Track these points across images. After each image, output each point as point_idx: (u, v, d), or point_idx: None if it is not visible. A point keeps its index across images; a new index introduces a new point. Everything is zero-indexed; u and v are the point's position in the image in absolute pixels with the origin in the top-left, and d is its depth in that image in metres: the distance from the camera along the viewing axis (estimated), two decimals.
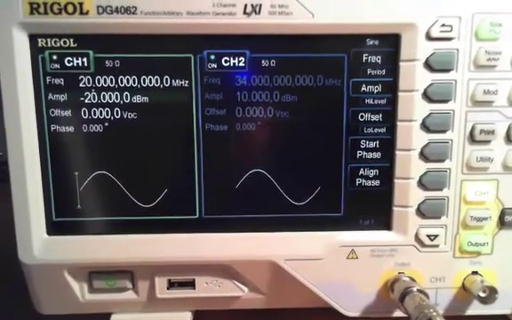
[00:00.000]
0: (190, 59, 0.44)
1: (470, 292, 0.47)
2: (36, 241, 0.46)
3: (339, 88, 0.45)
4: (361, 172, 0.47)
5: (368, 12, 0.43)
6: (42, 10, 0.42)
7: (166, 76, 0.45)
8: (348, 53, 0.45)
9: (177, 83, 0.45)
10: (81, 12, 0.42)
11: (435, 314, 0.40)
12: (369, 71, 0.45)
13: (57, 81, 0.44)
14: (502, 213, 0.46)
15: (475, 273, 0.48)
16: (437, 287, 0.48)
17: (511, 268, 0.47)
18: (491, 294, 0.45)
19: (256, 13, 0.43)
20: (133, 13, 0.42)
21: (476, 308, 0.48)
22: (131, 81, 0.45)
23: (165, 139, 0.46)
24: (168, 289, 0.48)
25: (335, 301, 0.48)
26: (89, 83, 0.44)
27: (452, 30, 0.43)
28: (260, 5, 0.43)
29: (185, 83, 0.45)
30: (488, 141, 0.45)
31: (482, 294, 0.46)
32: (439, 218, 0.46)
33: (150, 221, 0.47)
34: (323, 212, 0.48)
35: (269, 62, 0.45)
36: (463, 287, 0.48)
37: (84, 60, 0.44)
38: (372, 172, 0.47)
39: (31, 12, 0.42)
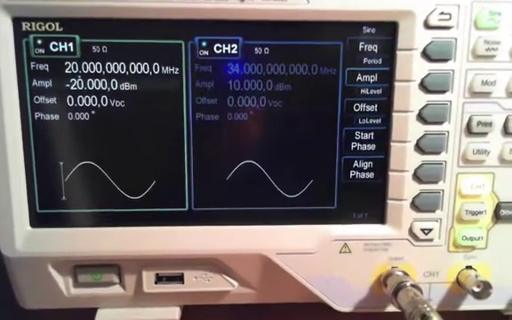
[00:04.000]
0: (181, 45, 0.43)
1: (464, 286, 0.46)
2: (19, 233, 0.44)
3: (334, 77, 0.44)
4: (355, 164, 0.46)
5: None
6: None
7: (156, 63, 0.44)
8: (344, 41, 0.44)
9: (167, 70, 0.44)
10: None
11: (428, 309, 0.40)
12: (365, 60, 0.44)
13: (41, 67, 0.43)
14: (498, 207, 0.46)
15: (469, 267, 0.47)
16: (431, 282, 0.48)
17: (506, 262, 0.47)
18: (485, 289, 0.45)
19: None
20: None
21: (469, 303, 0.48)
22: (118, 67, 0.43)
23: (154, 128, 0.45)
24: (156, 283, 0.47)
25: (327, 296, 0.47)
26: (75, 69, 0.43)
27: (450, 18, 0.42)
28: None
29: (175, 70, 0.44)
30: (485, 133, 0.45)
31: (476, 289, 0.45)
32: (434, 211, 0.46)
33: (138, 214, 0.46)
34: (315, 205, 0.47)
35: (263, 50, 0.44)
36: (457, 282, 0.47)
37: (70, 45, 0.43)
38: (367, 165, 0.46)
39: None
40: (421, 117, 0.44)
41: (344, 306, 0.48)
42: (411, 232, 0.46)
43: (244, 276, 0.47)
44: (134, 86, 0.44)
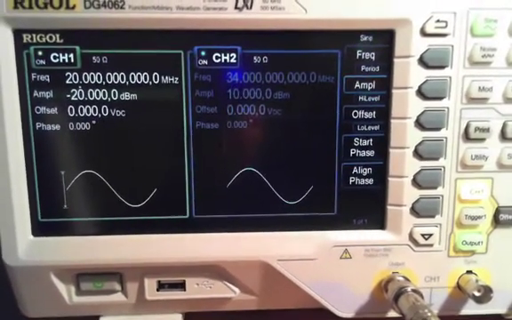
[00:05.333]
0: (180, 55, 0.44)
1: (465, 291, 0.46)
2: (21, 242, 0.45)
3: (332, 85, 0.45)
4: (354, 170, 0.46)
5: (362, 7, 0.42)
6: (27, 4, 0.41)
7: (155, 73, 0.44)
8: (342, 49, 0.44)
9: (166, 79, 0.44)
10: (67, 7, 0.41)
11: (429, 314, 0.40)
12: (363, 68, 0.44)
13: (42, 78, 0.43)
14: (497, 212, 0.46)
15: (469, 272, 0.47)
16: (432, 287, 0.48)
17: (506, 266, 0.47)
18: (486, 293, 0.45)
19: (248, 8, 0.42)
20: (121, 8, 0.41)
21: (470, 308, 0.48)
22: (119, 77, 0.44)
23: (155, 137, 0.45)
24: (158, 290, 0.47)
25: (328, 302, 0.47)
26: (76, 79, 0.43)
27: (446, 26, 0.43)
28: (252, 0, 0.42)
29: (175, 79, 0.44)
30: (483, 139, 0.45)
31: (477, 293, 0.45)
32: (433, 217, 0.46)
33: (139, 222, 0.46)
34: (316, 212, 0.47)
35: (261, 59, 0.44)
36: (458, 286, 0.47)
37: (71, 55, 0.43)
38: (366, 171, 0.46)
39: (15, 6, 0.41)
40: (419, 124, 0.44)
41: (345, 311, 0.48)
42: (411, 237, 0.46)
43: (246, 282, 0.47)
44: (134, 96, 0.44)
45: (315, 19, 0.42)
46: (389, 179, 0.46)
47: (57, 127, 0.44)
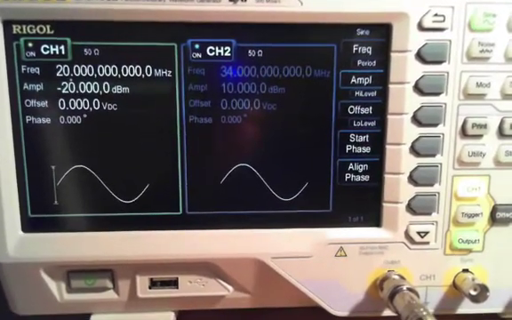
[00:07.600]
0: (173, 48, 0.43)
1: (461, 290, 0.46)
2: (11, 238, 0.44)
3: (328, 79, 0.44)
4: (350, 166, 0.46)
5: (359, 0, 0.42)
6: None
7: (148, 66, 0.43)
8: (338, 43, 0.44)
9: (159, 73, 0.43)
10: None
11: (425, 313, 0.40)
12: (359, 62, 0.44)
13: (33, 70, 0.43)
14: (494, 210, 0.46)
15: (465, 271, 0.47)
16: (427, 285, 0.47)
17: (502, 265, 0.47)
18: (482, 292, 0.45)
19: (242, 0, 0.41)
20: None
21: (466, 307, 0.48)
22: (110, 70, 0.43)
23: (147, 131, 0.44)
24: (150, 288, 0.47)
25: (323, 300, 0.47)
26: (66, 72, 0.43)
27: (444, 20, 0.42)
28: None
29: (168, 73, 0.43)
30: (480, 136, 0.44)
31: (473, 292, 0.45)
32: (430, 214, 0.46)
33: (131, 218, 0.46)
34: (311, 209, 0.47)
35: (256, 52, 0.44)
36: (454, 285, 0.47)
37: (62, 47, 0.42)
38: (362, 167, 0.46)
39: None
40: (416, 120, 0.44)
41: (340, 310, 0.47)
42: (407, 235, 0.46)
43: (239, 280, 0.47)
44: (126, 89, 0.43)
45: (310, 12, 0.42)
46: (385, 175, 0.45)
47: (47, 121, 0.43)
